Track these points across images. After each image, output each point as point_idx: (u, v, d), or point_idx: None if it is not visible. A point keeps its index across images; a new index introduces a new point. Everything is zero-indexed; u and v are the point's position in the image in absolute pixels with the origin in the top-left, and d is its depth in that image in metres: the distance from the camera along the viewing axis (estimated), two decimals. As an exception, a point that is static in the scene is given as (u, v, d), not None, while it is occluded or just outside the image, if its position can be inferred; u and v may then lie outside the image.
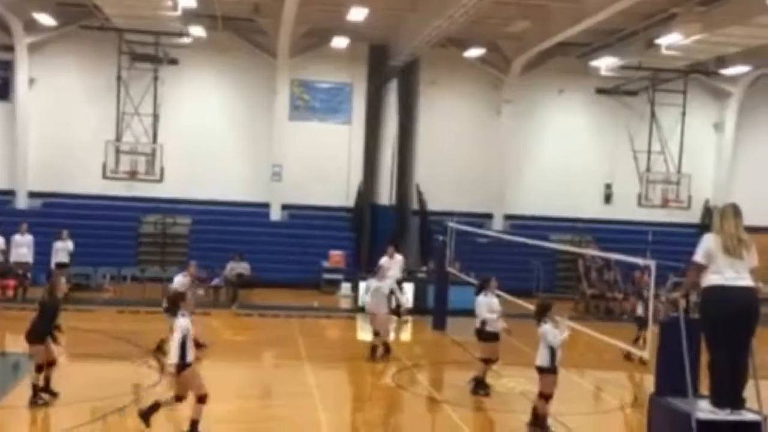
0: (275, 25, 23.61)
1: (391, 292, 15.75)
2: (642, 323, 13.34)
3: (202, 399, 9.30)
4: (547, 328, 10.13)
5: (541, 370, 10.18)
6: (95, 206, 24.60)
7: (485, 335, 12.36)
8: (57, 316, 11.14)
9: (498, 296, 12.63)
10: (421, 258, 25.06)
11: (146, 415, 9.51)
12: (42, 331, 10.80)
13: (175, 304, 9.82)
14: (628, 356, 14.66)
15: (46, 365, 10.76)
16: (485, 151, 26.75)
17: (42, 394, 10.65)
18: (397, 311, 19.68)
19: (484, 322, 12.31)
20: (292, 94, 26.22)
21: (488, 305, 12.33)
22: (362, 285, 14.85)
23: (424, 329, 19.07)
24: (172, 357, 9.21)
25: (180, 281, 14.40)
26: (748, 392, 7.11)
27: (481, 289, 12.65)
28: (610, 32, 23.54)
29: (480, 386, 12.38)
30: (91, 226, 23.13)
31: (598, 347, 15.64)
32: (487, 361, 12.37)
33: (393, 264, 19.67)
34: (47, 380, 10.81)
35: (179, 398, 9.62)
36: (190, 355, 9.34)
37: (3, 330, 17.05)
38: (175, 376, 9.45)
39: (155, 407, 9.56)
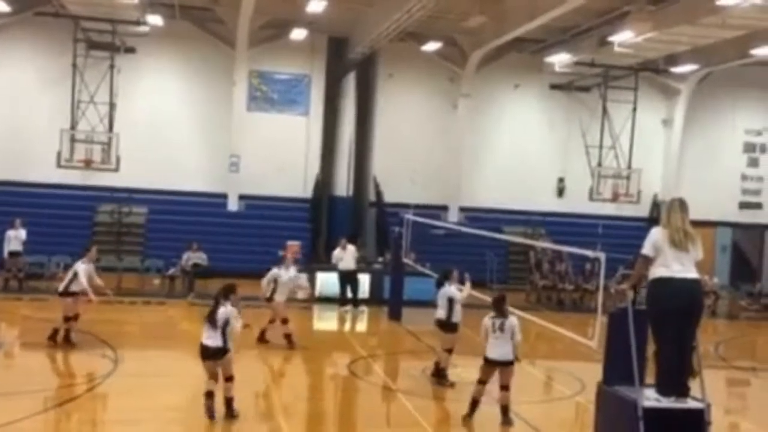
0: (234, 15, 23.57)
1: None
2: None
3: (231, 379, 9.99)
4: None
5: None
6: (49, 195, 24.34)
7: (450, 326, 12.50)
8: None
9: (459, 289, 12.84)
10: (378, 249, 25.31)
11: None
12: None
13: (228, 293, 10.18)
14: None
15: None
16: (442, 144, 27.09)
17: None
18: (354, 301, 19.98)
19: (450, 314, 12.40)
20: (250, 85, 26.20)
21: (454, 294, 12.52)
22: (271, 273, 14.94)
23: (379, 320, 19.32)
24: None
25: (83, 268, 13.74)
26: (692, 381, 7.34)
27: (444, 280, 12.82)
28: (565, 29, 24.03)
29: (444, 377, 12.53)
30: (46, 215, 22.90)
31: (549, 337, 16.08)
32: (450, 351, 12.56)
33: (345, 255, 20.03)
34: None
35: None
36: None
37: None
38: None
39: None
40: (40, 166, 23.79)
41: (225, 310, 9.96)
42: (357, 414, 11.69)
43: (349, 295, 20.05)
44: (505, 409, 10.39)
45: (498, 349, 10.30)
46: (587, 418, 9.44)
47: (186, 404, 10.62)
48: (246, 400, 11.63)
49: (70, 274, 13.70)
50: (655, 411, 6.99)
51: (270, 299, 14.74)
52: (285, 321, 14.71)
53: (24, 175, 24.38)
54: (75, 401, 10.62)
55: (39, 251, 21.50)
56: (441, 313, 12.57)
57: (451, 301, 12.44)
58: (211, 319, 9.90)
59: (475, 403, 10.45)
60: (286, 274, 14.94)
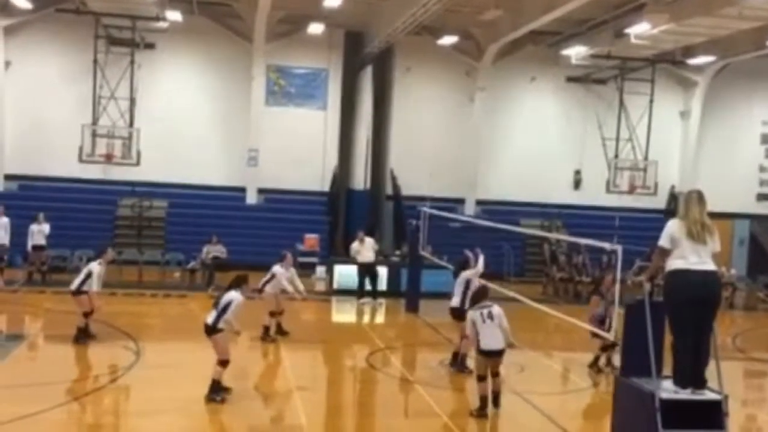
0: (251, 11, 23.79)
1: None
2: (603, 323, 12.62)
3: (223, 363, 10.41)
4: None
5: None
6: (72, 189, 24.72)
7: (464, 313, 12.58)
8: None
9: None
10: (395, 242, 25.47)
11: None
12: None
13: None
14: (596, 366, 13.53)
15: None
16: (458, 137, 27.17)
17: None
18: (374, 293, 20.13)
19: (464, 300, 12.49)
20: (268, 80, 26.41)
21: (470, 275, 12.86)
22: (272, 270, 15.13)
23: (397, 312, 19.47)
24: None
25: (98, 271, 13.82)
26: (709, 372, 7.38)
27: (461, 269, 13.10)
28: (581, 22, 24.03)
29: (464, 365, 12.66)
30: (68, 209, 23.27)
31: (566, 329, 16.18)
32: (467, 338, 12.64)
33: (364, 247, 20.19)
34: None
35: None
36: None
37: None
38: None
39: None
40: (62, 161, 24.19)
41: (231, 294, 10.54)
42: (375, 404, 11.80)
43: (368, 287, 20.19)
44: (496, 396, 10.59)
45: (491, 339, 10.43)
46: (605, 410, 9.47)
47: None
48: (265, 389, 11.89)
49: (83, 274, 13.79)
50: (672, 402, 7.00)
51: (261, 290, 14.90)
52: (273, 314, 14.81)
53: (47, 170, 24.80)
54: (98, 392, 10.81)
55: (62, 245, 21.90)
56: (455, 300, 12.79)
57: (467, 286, 12.63)
58: (216, 302, 10.59)
59: (484, 400, 10.49)
60: (286, 273, 15.06)
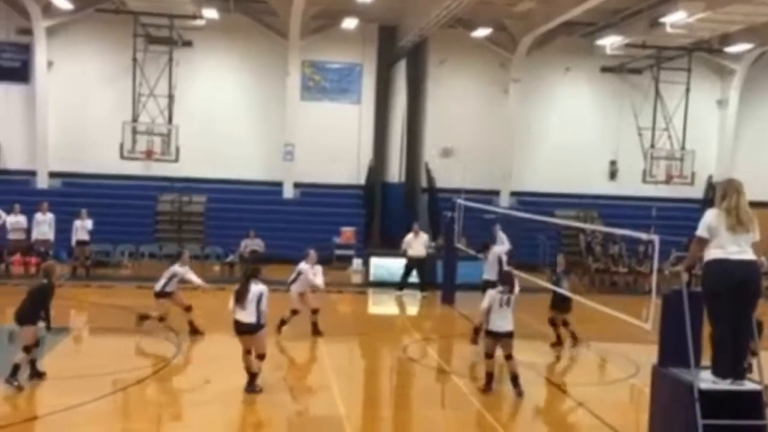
0: (286, 7, 24.02)
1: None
2: None
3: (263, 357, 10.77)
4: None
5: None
6: (113, 185, 25.20)
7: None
8: (51, 299, 11.00)
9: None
10: (430, 234, 25.56)
11: None
12: (34, 313, 10.70)
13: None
14: None
15: (32, 346, 10.69)
16: (493, 130, 27.13)
17: (19, 379, 10.43)
18: (422, 286, 20.27)
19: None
20: (303, 75, 26.64)
21: (500, 250, 14.80)
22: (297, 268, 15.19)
23: (433, 304, 19.61)
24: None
25: (183, 270, 14.47)
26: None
27: (484, 249, 15.42)
28: (615, 11, 23.86)
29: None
30: (110, 205, 23.73)
31: (603, 320, 16.17)
32: None
33: (416, 241, 20.39)
34: (33, 362, 10.80)
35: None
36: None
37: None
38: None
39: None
40: (104, 158, 24.64)
41: (259, 288, 10.68)
42: (412, 395, 11.93)
43: (415, 280, 20.34)
44: (515, 378, 10.93)
45: (502, 321, 10.97)
46: (642, 400, 9.45)
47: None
48: (303, 381, 12.13)
49: (166, 277, 14.26)
50: (711, 393, 6.95)
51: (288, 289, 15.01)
52: (294, 312, 14.85)
53: (89, 167, 25.28)
54: (140, 384, 11.07)
55: (104, 240, 22.41)
56: (491, 273, 14.26)
57: (500, 262, 14.20)
58: (241, 298, 10.62)
59: (490, 375, 11.11)
60: (311, 270, 15.14)
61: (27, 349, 10.59)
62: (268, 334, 11.20)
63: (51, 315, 10.98)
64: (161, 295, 14.24)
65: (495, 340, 10.99)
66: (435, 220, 25.52)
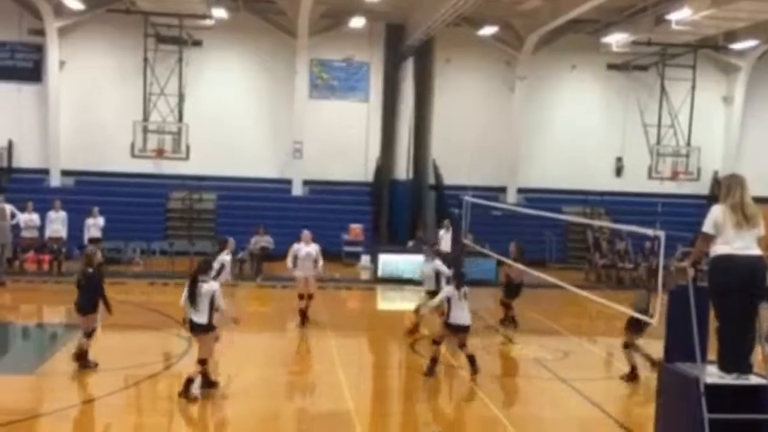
0: (294, 6, 24.26)
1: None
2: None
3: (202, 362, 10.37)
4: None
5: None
6: (125, 183, 25.53)
7: None
8: (103, 284, 11.52)
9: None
10: (438, 231, 25.77)
11: None
12: (94, 301, 11.37)
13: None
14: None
15: (92, 333, 11.34)
16: (499, 127, 27.32)
17: (90, 359, 11.29)
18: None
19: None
20: (311, 73, 26.86)
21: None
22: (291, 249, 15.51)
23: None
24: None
25: (228, 260, 14.36)
26: (755, 357, 7.37)
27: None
28: (621, 9, 24.01)
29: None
30: (121, 203, 24.09)
31: (609, 315, 16.34)
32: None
33: (446, 237, 20.64)
34: (86, 353, 11.32)
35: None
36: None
37: (40, 302, 17.98)
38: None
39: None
40: (115, 156, 24.99)
41: (209, 287, 10.27)
42: (421, 390, 11.96)
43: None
44: (472, 358, 11.66)
45: (461, 313, 11.64)
46: (648, 395, 9.58)
47: (257, 382, 11.31)
48: (312, 376, 12.25)
49: (215, 269, 13.84)
50: (717, 388, 6.97)
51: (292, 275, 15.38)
52: (302, 297, 15.10)
53: (101, 166, 25.61)
54: (152, 379, 11.25)
55: (115, 237, 22.64)
56: (430, 285, 14.77)
57: (438, 274, 14.59)
58: (192, 298, 10.13)
59: (434, 361, 11.80)
60: (305, 248, 15.32)
61: (88, 335, 11.20)
62: (287, 329, 11.24)
63: (108, 300, 11.47)
64: None
65: (454, 333, 11.69)
66: (442, 216, 25.67)
